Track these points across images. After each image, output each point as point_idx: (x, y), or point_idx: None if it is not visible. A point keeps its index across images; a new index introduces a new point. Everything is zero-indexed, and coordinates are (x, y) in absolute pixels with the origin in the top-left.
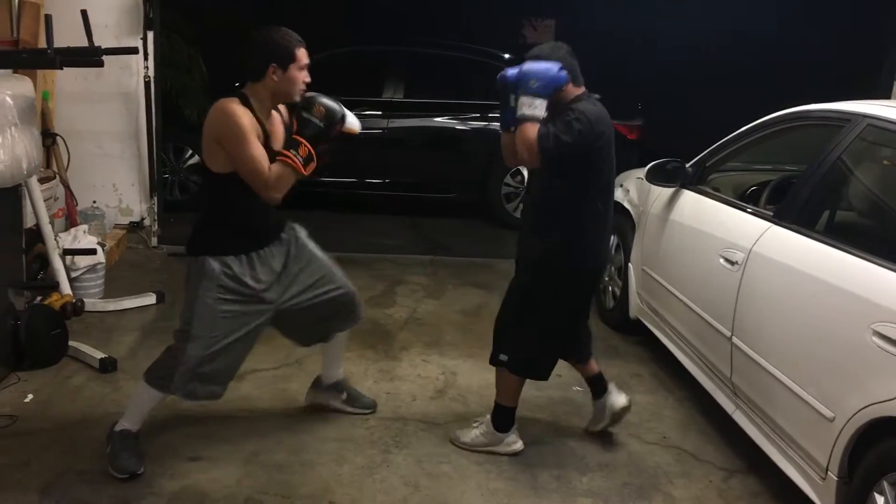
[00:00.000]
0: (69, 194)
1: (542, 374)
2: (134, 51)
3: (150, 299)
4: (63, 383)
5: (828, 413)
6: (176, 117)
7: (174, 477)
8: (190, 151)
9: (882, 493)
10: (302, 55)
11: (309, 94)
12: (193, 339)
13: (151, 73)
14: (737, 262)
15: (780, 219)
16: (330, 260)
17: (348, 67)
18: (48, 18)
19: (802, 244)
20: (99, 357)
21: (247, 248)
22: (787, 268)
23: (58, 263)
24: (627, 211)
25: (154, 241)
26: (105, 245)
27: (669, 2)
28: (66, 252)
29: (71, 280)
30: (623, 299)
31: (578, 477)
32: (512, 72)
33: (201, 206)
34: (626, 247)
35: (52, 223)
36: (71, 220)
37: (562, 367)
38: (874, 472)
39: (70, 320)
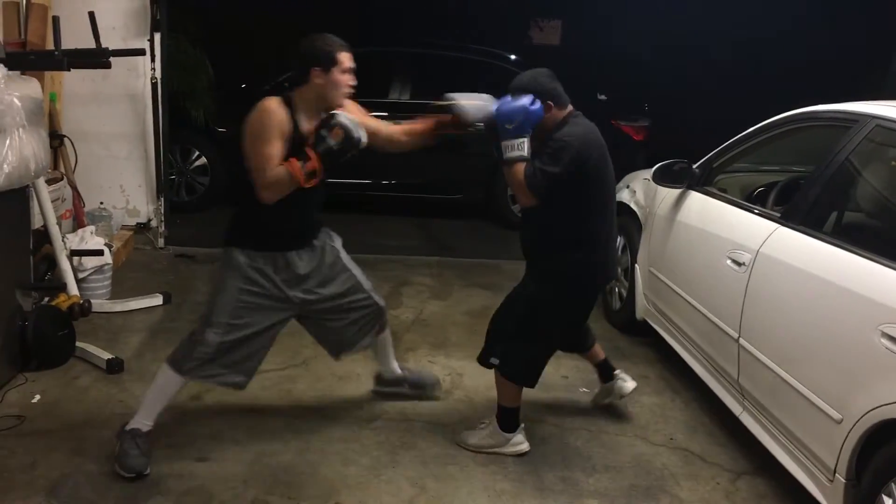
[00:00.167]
0: (76, 195)
1: (531, 382)
2: (141, 52)
3: (157, 300)
4: (70, 384)
5: (835, 415)
6: (183, 119)
7: (181, 477)
8: (197, 153)
9: (890, 495)
10: (345, 59)
11: (335, 112)
12: (213, 325)
13: (158, 74)
14: (744, 264)
15: (787, 220)
16: (360, 271)
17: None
18: (56, 20)
19: (810, 245)
20: (106, 358)
21: (274, 247)
22: (795, 269)
23: (65, 264)
24: (634, 212)
25: (161, 242)
26: (112, 246)
27: (676, 2)
28: (74, 253)
29: (78, 281)
30: (629, 300)
31: (585, 478)
32: (500, 114)
33: (236, 200)
34: (632, 248)
35: (59, 224)
36: (78, 221)
37: (568, 369)
38: (882, 474)
39: (77, 321)
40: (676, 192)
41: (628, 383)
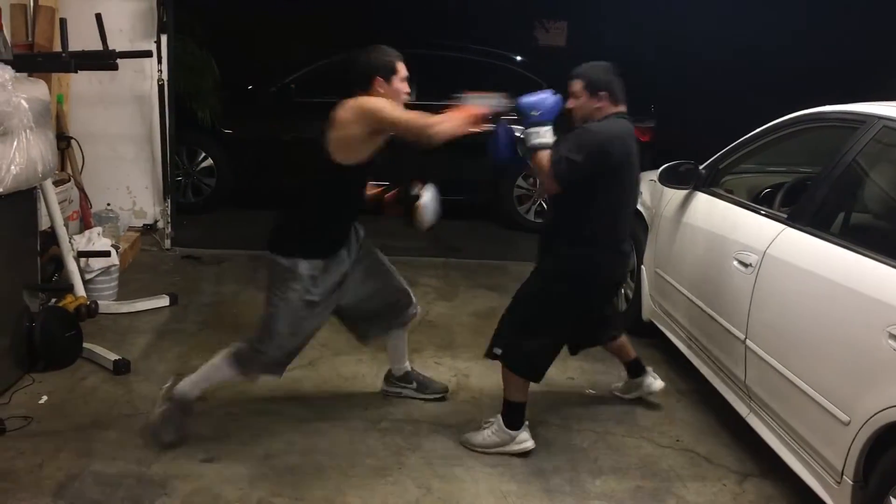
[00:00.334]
0: (83, 197)
1: (534, 375)
2: (148, 54)
3: (164, 301)
4: (77, 385)
5: (843, 417)
6: (189, 120)
7: (187, 478)
8: (203, 154)
9: None
10: (402, 68)
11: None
12: (276, 335)
13: (165, 76)
14: (750, 265)
15: (794, 221)
16: (385, 258)
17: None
18: (63, 22)
19: (817, 246)
20: (113, 359)
21: (332, 251)
22: (802, 270)
23: (72, 266)
24: (640, 213)
25: (167, 243)
26: (119, 247)
27: (681, 3)
28: (81, 254)
29: (85, 282)
30: (636, 301)
31: (591, 480)
32: (522, 104)
33: (291, 207)
34: (638, 249)
35: (66, 226)
36: (85, 222)
37: (574, 371)
38: (890, 477)
39: (84, 322)
40: (683, 193)
41: (658, 382)
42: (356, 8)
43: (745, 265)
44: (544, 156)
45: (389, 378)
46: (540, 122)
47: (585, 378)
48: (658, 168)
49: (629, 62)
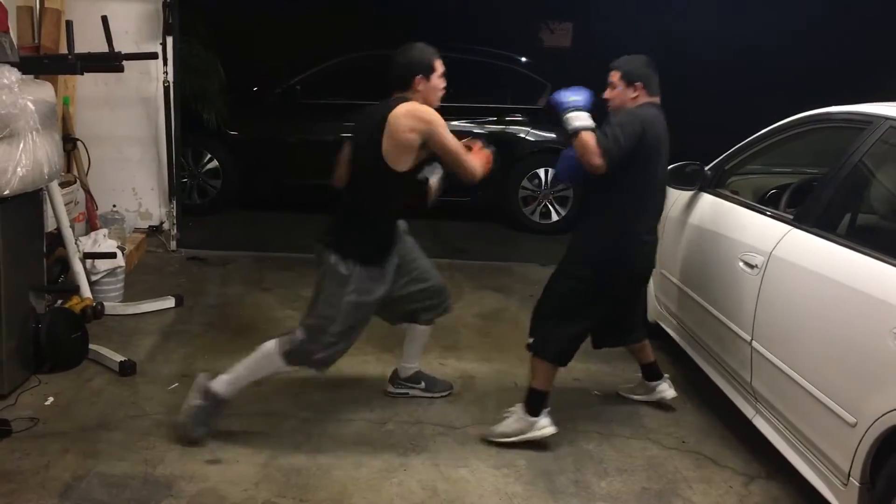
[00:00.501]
0: (89, 198)
1: (563, 359)
2: (153, 56)
3: (169, 303)
4: (83, 386)
5: (849, 418)
6: (195, 122)
7: (193, 480)
8: (208, 156)
9: None
10: (439, 65)
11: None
12: (331, 335)
13: (171, 78)
14: (756, 266)
15: (800, 222)
16: (422, 252)
17: (364, 72)
18: (69, 24)
19: (823, 247)
20: (119, 360)
21: (387, 258)
22: (808, 271)
23: (78, 267)
24: None
25: (173, 244)
26: (124, 249)
27: (685, 4)
28: (87, 256)
29: (91, 284)
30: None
31: (597, 481)
32: (556, 96)
33: (350, 211)
34: None
35: (72, 227)
36: (91, 224)
37: (580, 372)
38: None
39: (90, 323)
40: (688, 194)
41: (672, 391)
42: (361, 9)
43: (751, 266)
44: (588, 137)
45: (395, 379)
46: (579, 108)
47: (591, 380)
48: None
49: None
